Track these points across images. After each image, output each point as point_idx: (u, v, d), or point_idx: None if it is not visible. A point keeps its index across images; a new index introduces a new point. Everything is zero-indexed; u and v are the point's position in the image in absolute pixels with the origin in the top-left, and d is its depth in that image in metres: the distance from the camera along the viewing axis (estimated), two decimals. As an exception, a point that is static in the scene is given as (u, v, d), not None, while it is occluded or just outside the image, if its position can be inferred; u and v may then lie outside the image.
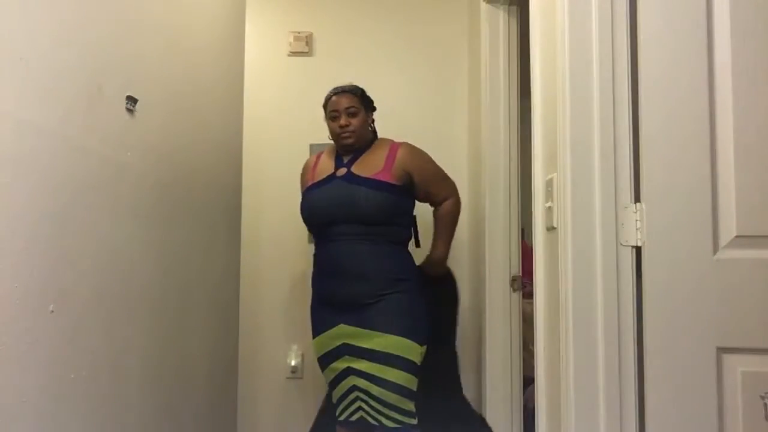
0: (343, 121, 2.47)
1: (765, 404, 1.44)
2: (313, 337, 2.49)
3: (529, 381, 2.57)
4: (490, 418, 2.63)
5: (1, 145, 1.19)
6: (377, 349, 2.30)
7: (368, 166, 2.42)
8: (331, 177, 2.48)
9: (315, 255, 2.51)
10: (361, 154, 2.47)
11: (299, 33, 3.23)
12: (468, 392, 2.32)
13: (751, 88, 1.47)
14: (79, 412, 1.46)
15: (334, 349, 2.41)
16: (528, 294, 2.40)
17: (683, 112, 1.48)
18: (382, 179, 2.37)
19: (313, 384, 3.07)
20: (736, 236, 1.46)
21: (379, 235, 2.37)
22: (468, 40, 3.22)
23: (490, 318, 2.65)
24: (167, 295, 1.93)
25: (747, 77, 1.47)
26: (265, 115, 3.19)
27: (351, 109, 2.48)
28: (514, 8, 2.77)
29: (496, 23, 2.76)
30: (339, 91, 2.51)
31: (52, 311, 1.35)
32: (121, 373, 1.64)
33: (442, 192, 2.49)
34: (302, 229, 2.69)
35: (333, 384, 2.44)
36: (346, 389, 2.37)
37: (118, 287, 1.61)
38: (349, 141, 2.48)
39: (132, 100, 1.48)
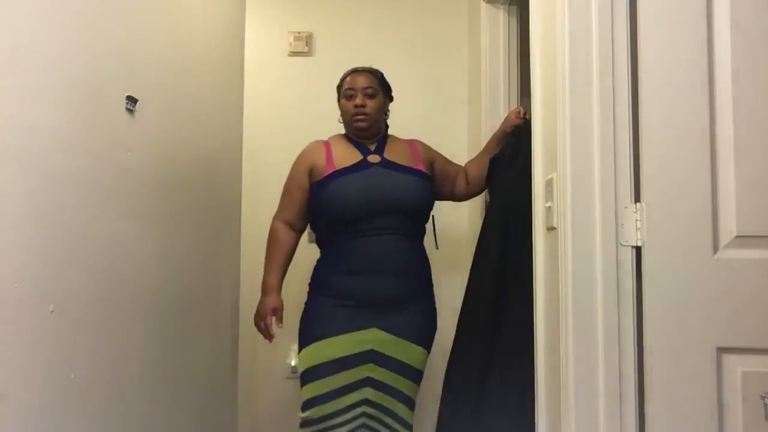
0: (359, 100, 2.30)
1: (765, 404, 1.44)
2: (331, 336, 2.20)
3: None
4: None
5: (1, 144, 1.19)
6: (405, 361, 2.20)
7: (399, 155, 2.30)
8: (364, 163, 2.27)
9: (339, 250, 2.25)
10: (385, 142, 2.34)
11: (299, 33, 3.23)
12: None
13: (751, 88, 1.47)
14: (79, 412, 1.46)
15: (362, 353, 2.20)
16: None
17: (683, 112, 1.48)
18: (421, 169, 2.28)
19: None
20: (737, 236, 1.46)
21: (415, 231, 2.27)
22: (468, 40, 3.22)
23: None
24: (168, 296, 1.93)
25: (747, 77, 1.47)
26: (265, 115, 3.19)
27: (368, 90, 2.32)
28: (514, 8, 2.77)
29: (496, 23, 2.77)
30: (358, 70, 2.38)
31: (52, 311, 1.35)
32: (121, 373, 1.65)
33: (456, 166, 2.45)
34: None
35: (338, 393, 2.19)
36: (352, 402, 2.20)
37: (119, 287, 1.61)
38: (363, 124, 2.30)
39: (132, 100, 1.48)
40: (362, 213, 2.20)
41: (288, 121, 3.21)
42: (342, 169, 2.24)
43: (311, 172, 2.29)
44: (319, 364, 2.20)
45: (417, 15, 3.30)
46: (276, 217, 2.36)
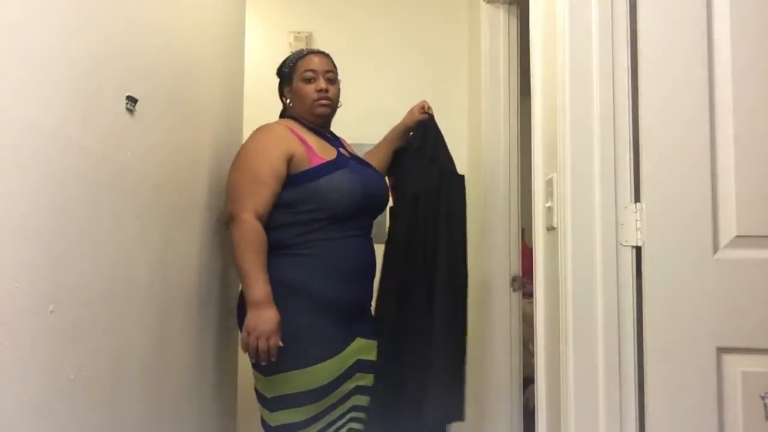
0: (322, 84, 2.10)
1: (765, 404, 1.44)
2: (320, 362, 1.94)
3: (529, 381, 2.56)
4: (491, 417, 2.63)
5: (1, 144, 1.19)
6: (374, 359, 2.08)
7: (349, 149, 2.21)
8: (343, 158, 2.10)
9: (324, 252, 2.00)
10: (329, 135, 2.19)
11: (299, 33, 3.23)
12: (469, 391, 2.29)
13: (751, 89, 1.47)
14: (79, 412, 1.46)
15: (347, 369, 2.01)
16: (528, 294, 2.40)
17: (683, 113, 1.48)
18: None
19: None
20: (737, 236, 1.47)
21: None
22: (468, 39, 3.22)
23: (490, 318, 2.65)
24: (168, 295, 1.92)
25: (747, 78, 1.47)
26: (265, 114, 3.18)
27: (329, 74, 2.14)
28: (514, 8, 2.77)
29: (497, 23, 2.77)
30: (314, 51, 2.19)
31: (52, 311, 1.34)
32: (121, 373, 1.64)
33: None
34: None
35: (323, 414, 1.99)
36: (341, 413, 2.04)
37: (119, 287, 1.60)
38: (327, 110, 2.13)
39: (132, 100, 1.47)
40: (355, 211, 2.04)
41: None
42: (330, 162, 2.04)
43: (290, 161, 2.00)
44: (302, 392, 1.95)
45: (417, 15, 3.29)
46: (245, 210, 1.95)
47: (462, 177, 2.29)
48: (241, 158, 2.06)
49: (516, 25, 2.78)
